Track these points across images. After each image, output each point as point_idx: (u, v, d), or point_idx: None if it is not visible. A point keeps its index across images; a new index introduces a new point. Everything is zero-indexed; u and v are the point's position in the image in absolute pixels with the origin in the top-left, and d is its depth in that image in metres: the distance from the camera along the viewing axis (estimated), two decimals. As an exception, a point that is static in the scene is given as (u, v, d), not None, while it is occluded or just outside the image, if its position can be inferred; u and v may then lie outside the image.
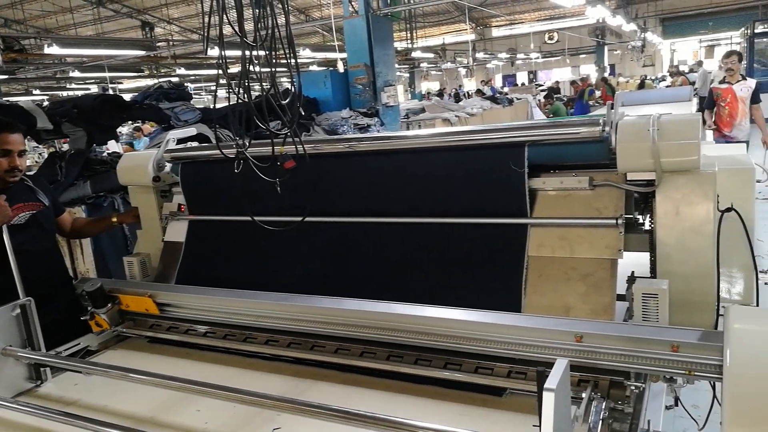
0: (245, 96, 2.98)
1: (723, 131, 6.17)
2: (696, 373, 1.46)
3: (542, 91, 16.69)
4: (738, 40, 19.15)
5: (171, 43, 13.85)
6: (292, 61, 2.71)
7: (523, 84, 23.22)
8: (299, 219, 2.06)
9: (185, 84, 9.05)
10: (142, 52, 12.72)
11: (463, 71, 21.29)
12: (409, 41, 17.32)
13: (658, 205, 1.80)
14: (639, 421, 1.52)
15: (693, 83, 15.00)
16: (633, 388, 1.54)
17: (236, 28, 2.59)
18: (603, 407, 1.46)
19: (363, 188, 2.25)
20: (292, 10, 23.31)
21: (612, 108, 1.91)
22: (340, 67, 6.47)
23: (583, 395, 1.48)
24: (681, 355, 1.45)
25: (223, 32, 2.73)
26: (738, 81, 6.11)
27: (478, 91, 16.66)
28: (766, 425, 1.25)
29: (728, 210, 1.80)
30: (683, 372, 1.48)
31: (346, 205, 2.26)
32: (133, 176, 2.66)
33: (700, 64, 17.77)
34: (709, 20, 21.40)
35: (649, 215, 1.89)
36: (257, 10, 2.79)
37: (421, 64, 19.47)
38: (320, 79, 7.28)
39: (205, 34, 2.73)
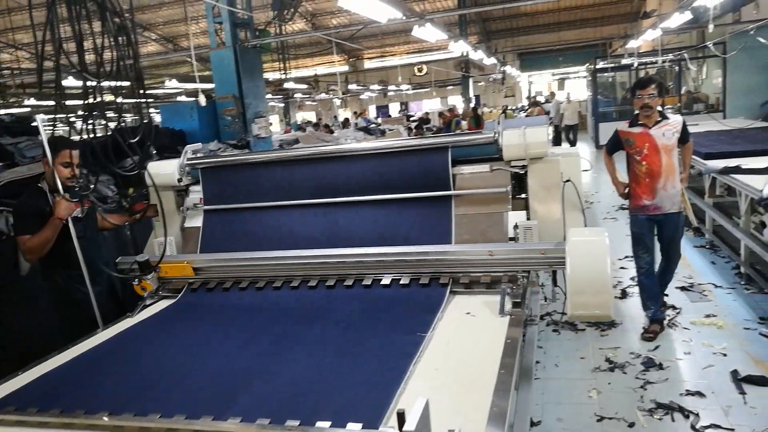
0: (90, 133, 2.77)
1: (642, 199, 4.19)
2: (554, 266, 2.67)
3: (413, 121, 17.30)
4: (584, 73, 21.18)
5: (17, 71, 12.75)
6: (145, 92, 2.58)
7: (395, 114, 24.00)
8: (292, 202, 3.23)
9: (32, 117, 8.34)
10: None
11: (337, 102, 21.58)
12: (282, 72, 17.28)
13: (529, 179, 3.08)
14: (527, 301, 2.59)
15: (548, 112, 16.34)
16: (523, 279, 2.63)
17: (71, 60, 2.41)
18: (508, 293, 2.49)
19: (352, 180, 3.20)
20: (159, 39, 22.47)
21: (498, 123, 3.16)
22: (202, 101, 6.27)
23: (501, 287, 2.52)
24: (546, 257, 2.61)
25: (65, 62, 2.54)
26: (657, 123, 4.08)
27: (346, 121, 16.92)
28: (588, 289, 2.39)
29: (567, 181, 3.08)
30: (547, 266, 2.72)
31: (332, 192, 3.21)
32: (160, 179, 3.30)
33: (553, 95, 19.38)
34: (559, 56, 23.52)
35: (523, 186, 3.12)
36: (104, 40, 2.62)
37: (295, 95, 19.45)
38: (186, 110, 7.01)
39: (38, 63, 2.52)
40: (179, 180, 3.43)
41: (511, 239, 2.91)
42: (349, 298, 2.75)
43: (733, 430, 3.09)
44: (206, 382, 2.07)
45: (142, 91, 2.35)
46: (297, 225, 3.20)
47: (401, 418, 1.30)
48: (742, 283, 5.11)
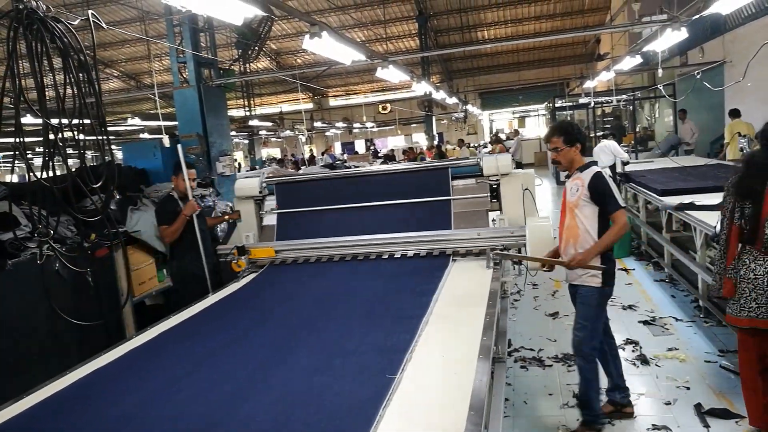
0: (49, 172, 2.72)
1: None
2: (519, 243, 4.14)
3: (378, 158, 17.46)
4: (543, 111, 21.84)
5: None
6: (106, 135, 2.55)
7: (361, 151, 24.19)
8: (337, 206, 4.67)
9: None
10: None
11: (303, 138, 21.65)
12: (246, 109, 17.32)
13: (501, 188, 4.52)
14: (502, 263, 4.02)
15: (509, 149, 16.73)
16: (500, 249, 4.08)
17: (32, 104, 2.38)
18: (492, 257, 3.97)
19: (380, 189, 4.73)
20: (122, 76, 22.31)
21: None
22: (165, 141, 6.21)
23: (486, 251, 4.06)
24: (513, 235, 4.19)
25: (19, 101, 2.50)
26: (573, 175, 3.59)
27: (312, 157, 16.98)
28: (539, 247, 3.80)
29: (525, 189, 4.45)
30: (514, 241, 4.18)
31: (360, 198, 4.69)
32: (246, 191, 4.96)
33: (516, 133, 19.89)
34: (519, 94, 24.21)
35: (497, 193, 4.56)
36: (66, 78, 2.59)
37: (260, 132, 19.46)
38: (149, 149, 6.92)
39: None
40: (260, 192, 4.95)
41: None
42: (385, 265, 4.22)
43: (699, 464, 3.12)
44: (295, 318, 3.29)
45: (103, 130, 2.33)
46: (341, 220, 4.61)
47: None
48: (701, 316, 5.24)
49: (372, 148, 24.11)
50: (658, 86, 11.18)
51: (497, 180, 4.49)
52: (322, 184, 4.91)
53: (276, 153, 25.14)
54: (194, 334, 3.15)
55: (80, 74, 2.22)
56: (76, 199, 4.75)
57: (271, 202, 5.02)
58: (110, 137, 2.70)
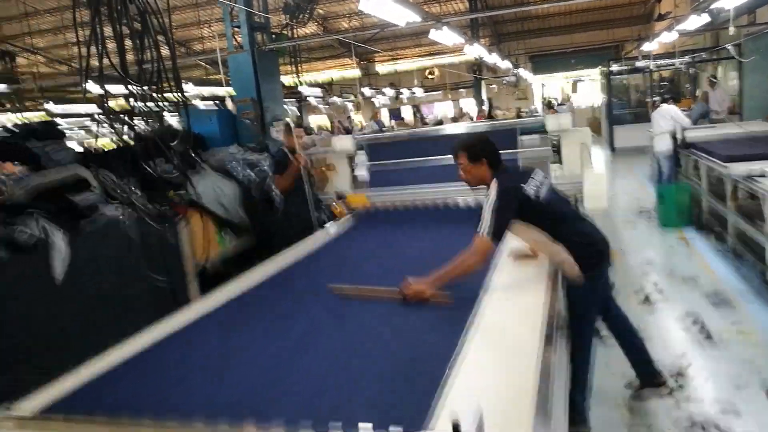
0: (132, 137, 2.81)
1: None
2: (577, 191, 4.56)
3: (425, 124, 17.29)
4: (597, 76, 21.10)
5: (37, 75, 12.85)
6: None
7: (408, 118, 24.00)
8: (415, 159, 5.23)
9: (56, 121, 8.41)
10: (2, 85, 11.67)
11: (350, 105, 21.61)
12: (295, 75, 17.33)
13: (562, 143, 5.11)
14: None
15: (561, 116, 16.26)
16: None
17: (118, 67, 2.44)
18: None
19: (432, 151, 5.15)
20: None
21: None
22: (230, 105, 6.31)
23: None
24: (574, 185, 4.59)
25: (102, 67, 2.56)
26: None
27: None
28: (595, 193, 4.53)
29: (582, 143, 5.05)
30: (573, 192, 4.49)
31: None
32: (340, 148, 5.72)
33: (568, 98, 19.32)
34: (571, 58, 23.40)
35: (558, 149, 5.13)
36: (140, 45, 2.64)
37: (309, 98, 19.50)
38: (206, 116, 7.04)
39: (82, 68, 2.53)
40: (354, 149, 5.67)
41: None
42: (458, 211, 4.66)
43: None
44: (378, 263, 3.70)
45: (181, 92, 2.38)
46: (420, 173, 5.16)
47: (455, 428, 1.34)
48: (768, 289, 5.06)
49: (419, 114, 23.84)
50: (727, 46, 10.59)
51: (558, 136, 5.09)
52: (404, 143, 5.61)
53: (323, 120, 25.17)
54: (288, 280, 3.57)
55: (156, 37, 2.26)
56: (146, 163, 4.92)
57: (361, 157, 5.80)
58: (185, 103, 2.76)
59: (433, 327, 2.52)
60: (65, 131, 5.95)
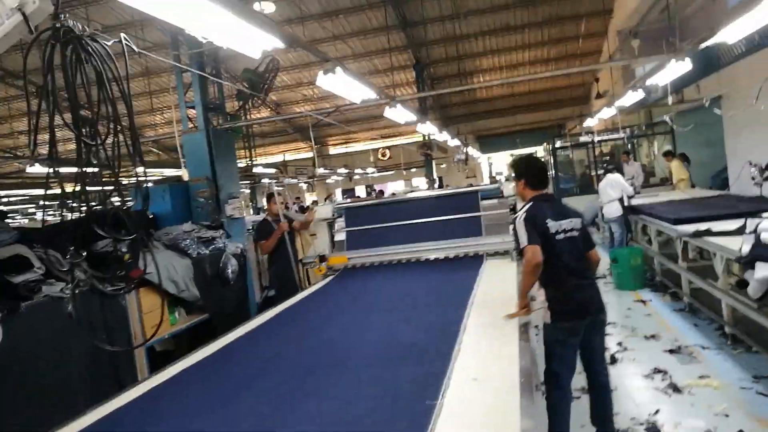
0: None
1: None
2: None
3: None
4: (541, 153, 22.03)
5: None
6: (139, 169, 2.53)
7: (360, 196, 24.24)
8: (390, 224, 5.70)
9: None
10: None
11: (304, 186, 21.73)
12: (248, 159, 17.43)
13: (518, 205, 4.74)
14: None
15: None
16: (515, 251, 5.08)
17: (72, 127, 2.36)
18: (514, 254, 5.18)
19: (425, 209, 5.81)
20: (121, 130, 22.53)
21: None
22: (185, 175, 6.27)
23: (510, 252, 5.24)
24: None
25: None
26: None
27: (314, 203, 16.98)
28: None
29: None
30: None
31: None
32: (322, 215, 6.22)
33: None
34: (516, 137, 24.48)
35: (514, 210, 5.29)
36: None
37: (263, 180, 19.56)
38: (158, 193, 6.90)
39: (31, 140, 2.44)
40: (333, 215, 6.13)
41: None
42: (432, 264, 5.32)
43: (750, 492, 2.97)
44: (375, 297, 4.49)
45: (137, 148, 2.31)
46: (394, 233, 5.61)
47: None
48: (728, 343, 5.11)
49: (373, 193, 24.18)
50: (664, 117, 11.27)
51: (515, 199, 5.67)
52: (379, 207, 6.13)
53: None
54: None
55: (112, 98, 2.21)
56: (87, 241, 4.71)
57: (340, 223, 6.22)
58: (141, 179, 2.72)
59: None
60: (5, 212, 5.72)
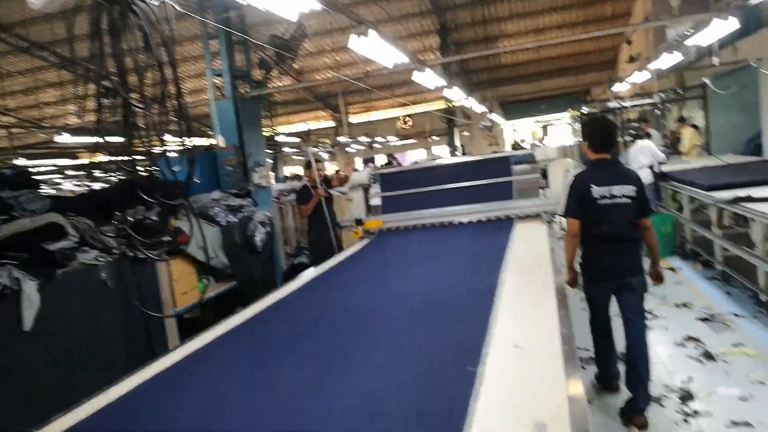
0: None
1: None
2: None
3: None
4: (567, 120, 21.64)
5: (9, 131, 12.70)
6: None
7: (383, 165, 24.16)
8: (423, 189, 5.94)
9: (29, 170, 8.21)
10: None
11: (326, 155, 21.69)
12: (271, 128, 17.42)
13: (549, 171, 6.25)
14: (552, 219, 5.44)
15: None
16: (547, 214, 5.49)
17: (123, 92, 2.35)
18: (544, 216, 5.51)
19: (460, 173, 6.00)
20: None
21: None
22: (221, 143, 6.32)
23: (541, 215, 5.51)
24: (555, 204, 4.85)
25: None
26: None
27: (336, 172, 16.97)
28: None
29: (567, 171, 5.52)
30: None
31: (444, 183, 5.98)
32: (358, 181, 6.56)
33: (541, 140, 19.68)
34: (541, 104, 24.05)
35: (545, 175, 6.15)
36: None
37: (284, 149, 19.57)
38: (186, 162, 6.92)
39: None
40: (369, 181, 6.47)
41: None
42: (462, 227, 5.55)
43: (788, 459, 2.94)
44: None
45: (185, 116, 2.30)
46: (428, 198, 5.84)
47: None
48: (764, 311, 5.02)
49: (394, 162, 24.09)
50: (703, 79, 10.90)
51: (546, 164, 6.02)
52: (414, 173, 6.34)
53: (298, 171, 25.23)
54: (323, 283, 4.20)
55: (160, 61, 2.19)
56: (123, 208, 4.77)
57: (375, 188, 6.52)
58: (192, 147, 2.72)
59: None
60: (38, 181, 5.80)
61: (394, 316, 3.02)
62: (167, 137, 2.52)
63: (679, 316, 5.29)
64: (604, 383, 3.95)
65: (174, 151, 2.76)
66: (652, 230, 3.65)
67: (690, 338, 4.67)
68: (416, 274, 3.98)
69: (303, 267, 6.83)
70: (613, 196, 3.49)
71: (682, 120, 11.55)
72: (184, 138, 2.31)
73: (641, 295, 3.61)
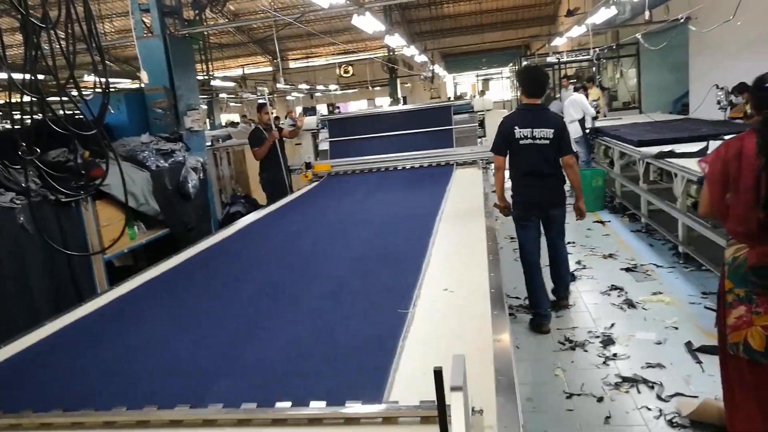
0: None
1: None
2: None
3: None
4: (507, 74, 21.81)
5: None
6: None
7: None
8: (366, 136, 6.26)
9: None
10: None
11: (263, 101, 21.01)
12: (206, 73, 16.69)
13: (486, 120, 6.43)
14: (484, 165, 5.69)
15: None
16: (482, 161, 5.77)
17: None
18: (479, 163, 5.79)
19: (401, 122, 6.32)
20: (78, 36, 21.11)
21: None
22: (145, 78, 5.94)
23: (477, 161, 5.79)
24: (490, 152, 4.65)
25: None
26: None
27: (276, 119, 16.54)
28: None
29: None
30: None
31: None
32: (307, 125, 6.90)
33: (482, 93, 19.78)
34: (483, 57, 24.09)
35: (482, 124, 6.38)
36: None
37: (220, 95, 18.85)
38: (113, 103, 6.53)
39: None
40: (317, 126, 6.59)
41: None
42: (405, 172, 5.71)
43: (696, 396, 3.15)
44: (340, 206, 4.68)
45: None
46: (374, 144, 6.07)
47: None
48: (681, 262, 5.32)
49: (336, 112, 23.73)
50: (637, 35, 11.14)
51: (483, 114, 6.20)
52: (360, 120, 6.59)
53: (234, 118, 24.44)
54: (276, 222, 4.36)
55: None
56: (43, 150, 4.45)
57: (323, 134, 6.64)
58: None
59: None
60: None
61: (334, 258, 3.03)
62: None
63: (606, 266, 5.53)
64: (537, 325, 4.28)
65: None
66: (574, 168, 4.24)
67: (614, 287, 4.89)
68: (359, 217, 4.11)
69: (239, 216, 6.67)
70: (534, 138, 4.06)
71: (590, 80, 11.97)
72: (98, 66, 2.13)
73: (562, 222, 4.37)
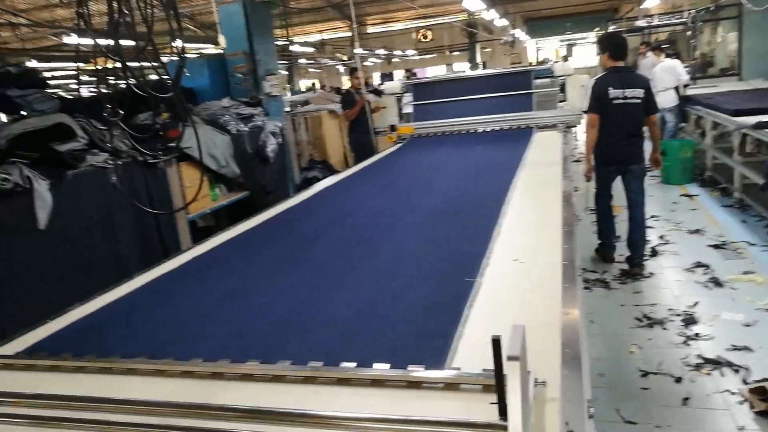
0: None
1: None
2: (576, 120, 5.79)
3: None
4: (592, 40, 20.74)
5: (18, 32, 12.42)
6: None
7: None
8: (452, 99, 6.32)
9: (37, 69, 8.07)
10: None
11: (341, 68, 21.15)
12: (285, 37, 16.88)
13: (567, 85, 6.22)
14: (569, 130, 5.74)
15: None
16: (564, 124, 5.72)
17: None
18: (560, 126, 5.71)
19: (487, 85, 6.35)
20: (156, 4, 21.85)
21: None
22: (223, 43, 6.11)
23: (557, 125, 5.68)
24: (574, 116, 5.81)
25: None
26: None
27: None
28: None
29: (582, 86, 5.88)
30: (575, 120, 5.79)
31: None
32: (390, 90, 6.93)
33: (565, 59, 18.91)
34: (566, 21, 22.99)
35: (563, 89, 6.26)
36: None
37: (299, 60, 19.06)
38: (195, 68, 6.75)
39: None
40: (400, 90, 6.70)
41: None
42: (492, 134, 5.79)
43: (784, 384, 2.95)
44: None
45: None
46: (456, 107, 6.21)
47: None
48: (777, 240, 4.95)
49: (414, 77, 23.51)
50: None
51: (564, 79, 6.14)
52: (443, 84, 6.67)
53: (315, 84, 24.71)
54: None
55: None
56: (129, 115, 4.66)
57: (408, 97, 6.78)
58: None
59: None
60: (46, 79, 5.69)
61: (405, 221, 3.06)
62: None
63: (691, 242, 5.23)
64: (602, 254, 4.96)
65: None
66: (657, 125, 4.78)
67: (699, 264, 4.63)
68: (438, 178, 4.19)
69: (315, 181, 6.79)
70: (626, 97, 4.40)
71: (658, 48, 10.31)
72: (174, 32, 2.19)
73: (640, 178, 4.61)
